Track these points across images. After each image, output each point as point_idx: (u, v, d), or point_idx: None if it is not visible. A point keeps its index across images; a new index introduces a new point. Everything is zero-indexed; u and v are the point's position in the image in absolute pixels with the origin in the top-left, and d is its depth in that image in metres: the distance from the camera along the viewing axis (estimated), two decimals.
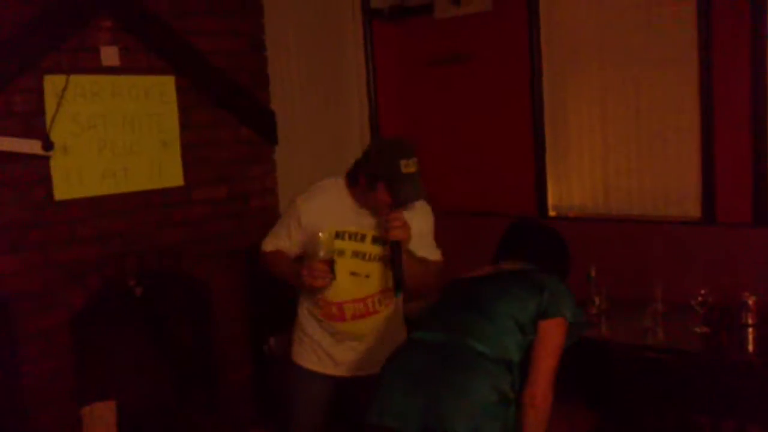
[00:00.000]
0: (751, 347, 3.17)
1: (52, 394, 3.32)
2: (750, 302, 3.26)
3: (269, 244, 2.91)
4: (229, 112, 3.91)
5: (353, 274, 2.76)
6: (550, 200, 4.45)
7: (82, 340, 3.42)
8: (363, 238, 2.76)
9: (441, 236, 4.45)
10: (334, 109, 4.68)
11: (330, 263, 2.67)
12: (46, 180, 3.32)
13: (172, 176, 3.71)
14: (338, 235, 2.74)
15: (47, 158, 3.30)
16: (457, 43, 4.72)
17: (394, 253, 2.64)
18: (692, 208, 3.88)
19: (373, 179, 2.64)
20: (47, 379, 3.30)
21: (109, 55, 3.49)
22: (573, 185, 4.39)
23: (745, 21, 3.55)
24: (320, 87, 4.59)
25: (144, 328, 3.69)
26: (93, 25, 3.44)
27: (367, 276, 2.77)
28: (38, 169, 3.29)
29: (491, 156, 4.65)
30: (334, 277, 2.68)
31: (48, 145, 3.27)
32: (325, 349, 2.90)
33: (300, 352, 2.96)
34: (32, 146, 3.23)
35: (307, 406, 2.98)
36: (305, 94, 4.50)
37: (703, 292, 3.22)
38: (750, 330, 3.24)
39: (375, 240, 2.76)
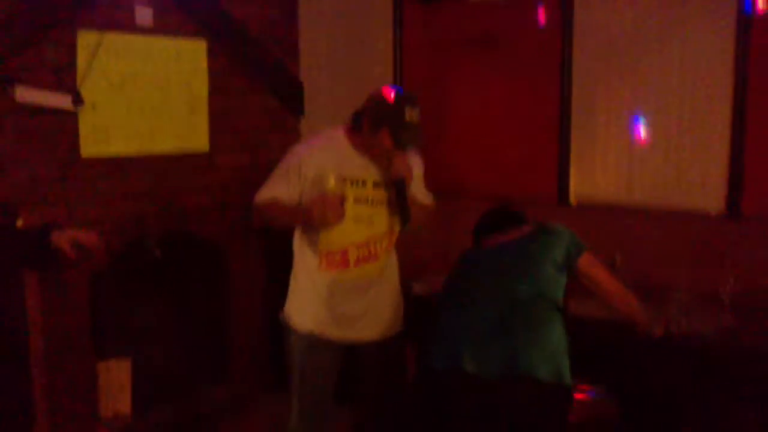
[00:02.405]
0: None
1: (70, 346, 3.33)
2: None
3: (264, 195, 2.88)
4: (259, 80, 3.90)
5: (356, 218, 2.84)
6: (573, 188, 4.41)
7: (101, 297, 3.43)
8: (364, 183, 2.85)
9: (461, 221, 4.45)
10: (360, 85, 4.64)
11: (341, 198, 2.72)
12: (74, 136, 3.31)
13: (198, 141, 3.71)
14: (339, 181, 2.80)
15: (76, 114, 3.29)
16: (487, 27, 4.68)
17: (399, 190, 2.80)
18: (717, 200, 3.84)
19: (378, 123, 2.75)
20: (65, 333, 3.31)
21: (144, 15, 3.49)
22: (597, 174, 4.35)
23: None
24: (349, 63, 4.57)
25: (162, 289, 3.68)
26: None
27: (370, 220, 2.87)
28: (66, 125, 3.29)
29: (515, 142, 4.61)
30: (344, 213, 2.73)
31: (78, 101, 3.26)
32: (330, 309, 2.90)
33: (300, 317, 2.95)
34: (62, 101, 3.22)
35: (313, 374, 2.99)
36: (333, 69, 4.48)
37: (731, 282, 3.19)
38: None
39: (375, 185, 2.86)
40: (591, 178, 4.37)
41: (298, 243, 2.98)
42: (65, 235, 2.39)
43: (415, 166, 2.95)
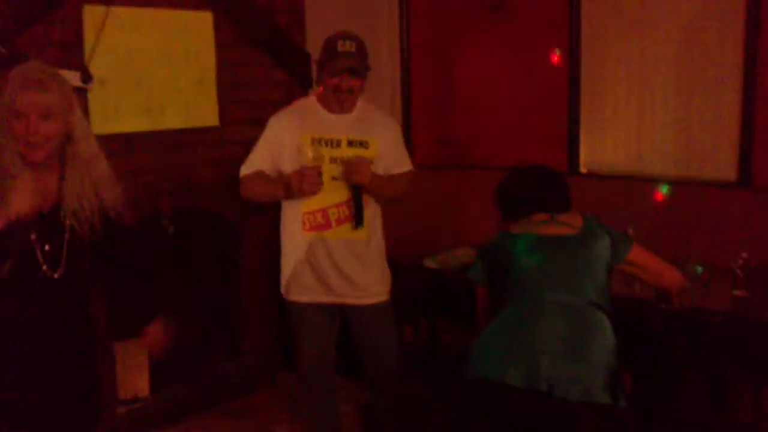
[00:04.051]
0: None
1: None
2: None
3: (248, 168, 3.03)
4: (265, 52, 3.85)
5: (334, 178, 2.91)
6: (582, 157, 4.40)
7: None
8: (339, 143, 2.94)
9: (470, 191, 4.43)
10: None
11: (318, 169, 2.84)
12: (84, 113, 3.26)
13: (207, 115, 3.67)
14: (314, 142, 2.93)
15: (85, 91, 3.24)
16: None
17: (355, 195, 2.90)
18: (728, 169, 3.84)
19: (320, 69, 2.94)
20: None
21: None
22: (607, 142, 4.34)
23: None
24: (354, 28, 4.49)
25: (174, 266, 3.67)
26: None
27: None
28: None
29: (524, 111, 4.59)
30: (322, 183, 2.84)
31: (87, 78, 3.21)
32: (316, 273, 2.98)
33: (292, 288, 3.06)
34: (71, 78, 3.15)
35: (308, 341, 3.08)
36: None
37: (744, 255, 3.20)
38: None
39: (350, 143, 2.95)
40: (601, 148, 4.35)
41: (283, 210, 3.07)
42: None
43: (385, 133, 3.02)
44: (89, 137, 2.23)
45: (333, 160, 2.92)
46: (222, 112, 3.71)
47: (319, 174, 2.83)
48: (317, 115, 2.98)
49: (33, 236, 2.10)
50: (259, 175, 3.00)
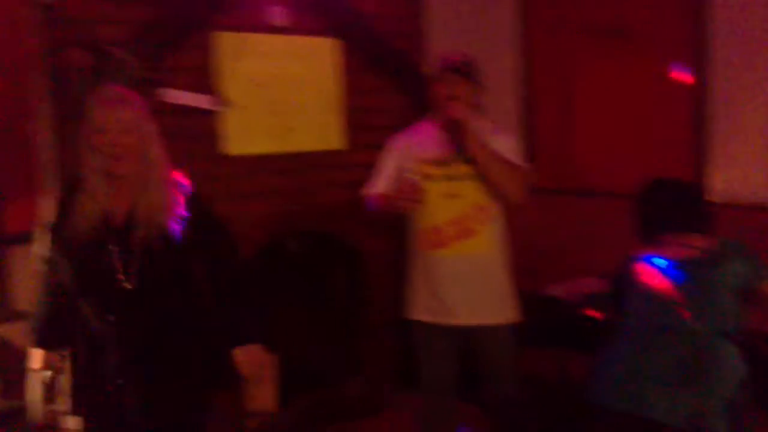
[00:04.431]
0: None
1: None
2: None
3: (369, 188, 3.15)
4: (390, 77, 3.90)
5: (447, 195, 2.92)
6: (712, 185, 4.23)
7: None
8: (450, 160, 2.94)
9: (593, 218, 4.32)
10: (486, 79, 4.58)
11: (416, 184, 2.84)
12: (218, 135, 3.40)
13: (335, 139, 3.75)
14: (427, 162, 2.95)
15: (219, 114, 3.37)
16: (619, 13, 4.53)
17: (455, 131, 2.83)
18: None
19: (431, 84, 2.94)
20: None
21: (279, 15, 3.53)
22: (737, 171, 4.17)
23: None
24: (474, 50, 4.50)
25: (300, 285, 3.75)
26: None
27: (459, 195, 2.93)
28: (211, 125, 3.38)
29: (648, 136, 4.46)
30: (421, 198, 2.83)
31: (221, 101, 3.34)
32: (436, 294, 2.97)
33: (413, 307, 3.09)
34: (208, 101, 3.31)
35: (433, 361, 3.08)
36: None
37: None
38: None
39: (462, 160, 2.91)
40: (732, 175, 4.18)
41: (408, 230, 3.10)
42: None
43: (499, 142, 2.95)
44: (161, 156, 2.38)
45: (445, 176, 2.94)
46: (348, 135, 3.78)
47: (417, 189, 2.84)
48: (428, 135, 3.02)
49: (111, 247, 2.23)
50: (376, 195, 3.09)
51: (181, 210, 2.35)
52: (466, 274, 2.96)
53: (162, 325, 2.34)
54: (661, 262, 2.53)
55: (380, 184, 3.09)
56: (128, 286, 2.25)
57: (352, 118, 3.79)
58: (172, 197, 2.35)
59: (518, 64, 4.79)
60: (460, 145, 2.84)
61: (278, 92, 3.55)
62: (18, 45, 3.12)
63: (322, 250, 3.77)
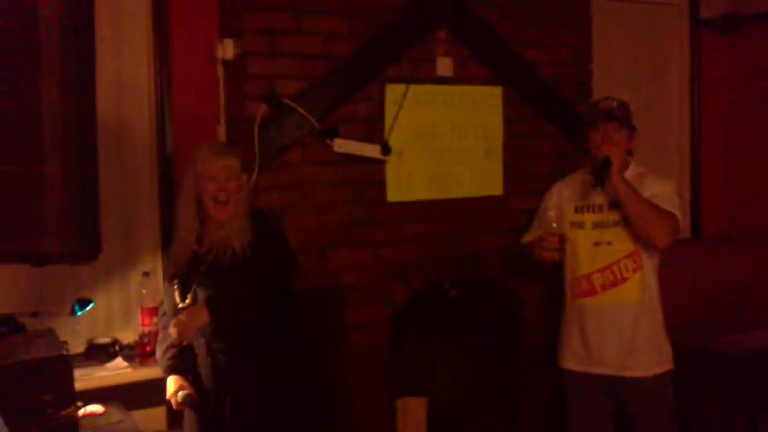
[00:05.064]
0: None
1: (369, 382, 3.53)
2: None
3: (525, 236, 3.25)
4: (551, 123, 3.91)
5: (596, 244, 2.94)
6: None
7: (399, 335, 3.61)
8: (600, 208, 2.97)
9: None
10: (653, 122, 4.49)
11: (561, 237, 2.90)
12: (381, 182, 3.54)
13: (493, 184, 3.79)
14: (577, 210, 3.02)
15: (383, 162, 3.52)
16: None
17: (602, 166, 2.82)
18: None
19: (585, 132, 2.99)
20: (366, 368, 3.52)
21: (444, 65, 3.64)
22: None
23: None
24: (641, 99, 4.43)
25: (455, 330, 3.80)
26: (431, 37, 3.60)
27: (610, 243, 2.93)
28: (375, 172, 3.52)
29: None
30: (564, 250, 2.92)
31: (386, 150, 3.48)
32: (585, 341, 2.95)
33: (564, 355, 3.09)
34: (373, 150, 3.46)
35: (584, 412, 3.05)
36: None
37: None
38: None
39: (611, 206, 2.94)
40: None
41: (560, 277, 3.13)
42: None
43: (652, 185, 2.93)
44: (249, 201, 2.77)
45: (595, 224, 2.95)
46: (506, 181, 3.81)
47: (561, 240, 2.90)
48: (582, 182, 3.04)
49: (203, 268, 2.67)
50: (530, 241, 3.15)
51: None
52: (614, 321, 2.93)
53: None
54: None
55: (535, 231, 3.16)
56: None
57: (512, 163, 3.82)
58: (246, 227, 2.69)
59: (687, 110, 4.65)
60: (605, 185, 2.84)
61: (439, 140, 3.64)
62: (205, 100, 3.42)
63: (477, 295, 3.80)
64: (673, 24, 4.60)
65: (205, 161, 2.68)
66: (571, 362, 3.05)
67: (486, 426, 3.94)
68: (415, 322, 3.69)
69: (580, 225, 2.99)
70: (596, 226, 2.96)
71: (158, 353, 2.81)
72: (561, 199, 3.10)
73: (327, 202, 3.42)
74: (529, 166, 3.87)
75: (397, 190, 3.56)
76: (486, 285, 3.81)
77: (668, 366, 3.00)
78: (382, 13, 3.47)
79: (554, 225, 2.97)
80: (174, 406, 2.69)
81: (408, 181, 3.59)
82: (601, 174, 2.82)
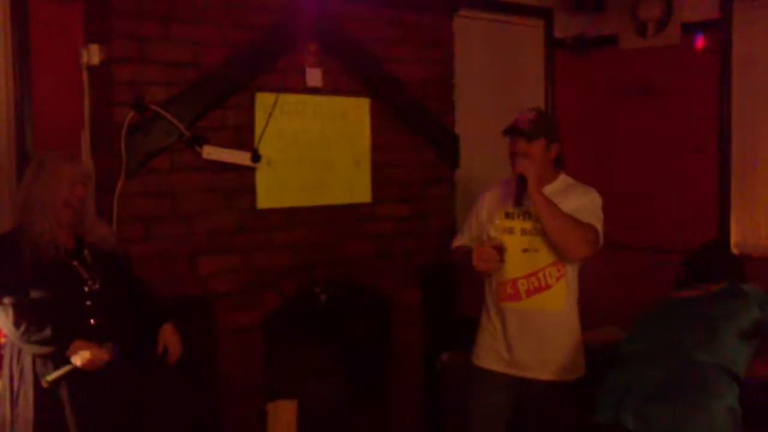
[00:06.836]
0: None
1: (242, 387, 3.56)
2: None
3: (456, 241, 3.27)
4: (416, 135, 4.07)
5: (524, 250, 2.97)
6: (734, 238, 4.31)
7: (271, 340, 3.65)
8: (530, 215, 2.97)
9: (617, 272, 4.38)
10: None
11: (499, 248, 2.90)
12: (251, 190, 3.58)
13: (362, 193, 3.91)
14: (508, 216, 3.03)
15: (253, 169, 3.56)
16: (642, 76, 4.69)
17: (519, 185, 2.88)
18: None
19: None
20: (239, 374, 3.55)
21: (314, 76, 3.73)
22: (760, 222, 4.24)
23: None
24: (501, 113, 4.64)
25: (326, 334, 3.88)
26: (301, 48, 3.70)
27: (537, 250, 2.96)
28: (245, 179, 3.56)
29: (673, 190, 4.57)
30: (502, 262, 2.90)
31: (256, 157, 3.53)
32: (508, 345, 3.01)
33: (478, 353, 3.13)
34: (243, 158, 3.50)
35: (484, 410, 3.10)
36: (486, 120, 4.60)
37: None
38: None
39: (523, 214, 2.98)
40: (754, 228, 4.25)
41: (485, 281, 3.14)
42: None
43: (575, 198, 2.98)
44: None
45: (524, 231, 2.98)
46: (374, 189, 3.94)
47: (499, 251, 2.89)
48: (513, 188, 3.00)
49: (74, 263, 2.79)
50: (460, 249, 3.17)
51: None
52: (536, 326, 2.99)
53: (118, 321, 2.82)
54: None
55: (465, 236, 3.21)
56: (94, 286, 2.80)
57: (379, 172, 3.95)
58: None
59: None
60: (521, 199, 2.89)
61: (309, 149, 3.72)
62: (69, 105, 3.36)
63: (347, 300, 3.89)
64: (531, 42, 4.88)
65: (60, 165, 2.76)
66: (492, 363, 3.07)
67: (356, 425, 4.02)
68: (287, 328, 3.74)
69: (510, 231, 3.01)
70: (525, 233, 2.99)
71: None
72: (491, 207, 3.11)
73: (197, 209, 3.43)
74: (395, 175, 4.01)
75: (267, 197, 3.61)
76: (357, 289, 3.91)
77: (581, 372, 3.08)
78: (253, 24, 3.54)
79: (489, 236, 3.00)
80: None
81: (278, 188, 3.65)
82: (518, 193, 2.89)
